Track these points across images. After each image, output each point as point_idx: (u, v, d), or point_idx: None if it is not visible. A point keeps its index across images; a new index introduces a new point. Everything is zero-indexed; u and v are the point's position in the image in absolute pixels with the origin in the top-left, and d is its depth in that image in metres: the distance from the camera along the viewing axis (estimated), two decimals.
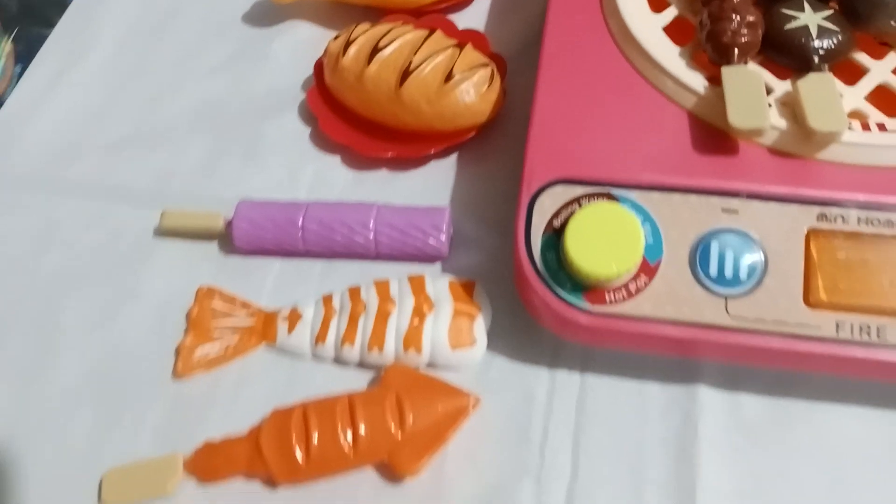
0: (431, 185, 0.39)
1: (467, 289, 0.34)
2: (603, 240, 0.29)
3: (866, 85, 0.32)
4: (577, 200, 0.31)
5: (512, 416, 0.32)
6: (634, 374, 0.32)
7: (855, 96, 0.32)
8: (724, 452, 0.30)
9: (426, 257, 0.36)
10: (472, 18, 0.45)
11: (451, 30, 0.42)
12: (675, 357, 0.32)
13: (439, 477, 0.31)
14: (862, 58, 0.33)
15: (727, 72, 0.31)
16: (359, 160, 0.39)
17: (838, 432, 0.31)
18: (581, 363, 0.33)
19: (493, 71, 0.38)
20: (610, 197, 0.31)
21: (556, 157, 0.32)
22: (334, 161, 0.40)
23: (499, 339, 0.34)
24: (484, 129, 0.39)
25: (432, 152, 0.38)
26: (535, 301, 0.31)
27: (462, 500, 0.30)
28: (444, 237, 0.35)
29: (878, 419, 0.31)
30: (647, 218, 0.30)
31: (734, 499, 0.30)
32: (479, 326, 0.33)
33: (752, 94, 0.31)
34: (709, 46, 0.33)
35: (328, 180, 0.39)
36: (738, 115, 0.30)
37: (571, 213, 0.30)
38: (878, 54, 0.33)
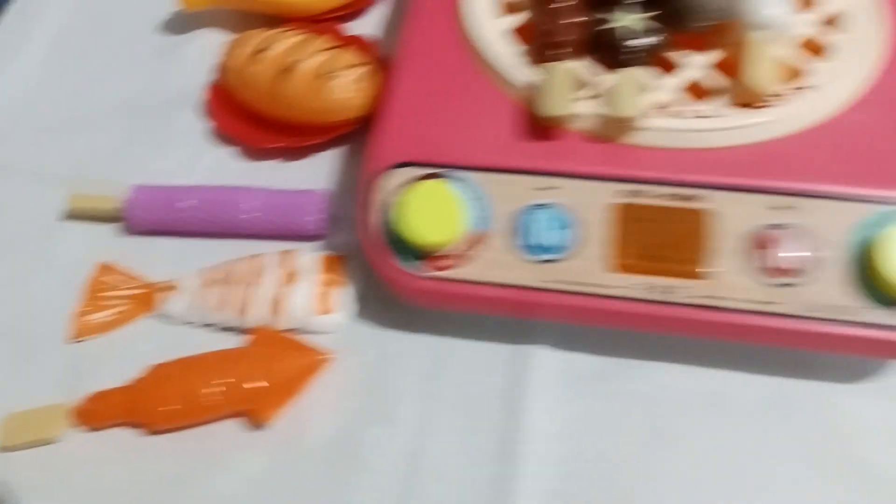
0: (317, 172, 0.43)
1: (335, 262, 0.38)
2: (431, 213, 0.33)
3: (678, 77, 0.36)
4: (415, 180, 0.35)
5: (368, 372, 0.36)
6: (480, 336, 0.37)
7: (666, 87, 0.36)
8: (550, 402, 0.35)
9: (304, 236, 0.40)
10: (367, 26, 0.49)
11: (340, 35, 0.46)
12: (509, 317, 0.36)
13: (297, 424, 0.35)
14: (680, 54, 0.37)
15: (546, 68, 0.36)
16: (252, 151, 0.44)
17: (657, 386, 0.35)
18: (435, 326, 0.37)
19: (370, 70, 0.43)
20: (443, 177, 0.35)
21: (400, 143, 0.36)
22: (230, 152, 0.44)
23: (364, 306, 0.38)
24: (369, 121, 0.43)
25: (316, 143, 0.42)
26: (380, 269, 0.35)
27: (316, 443, 0.34)
28: (318, 217, 0.39)
29: (694, 374, 0.35)
30: (477, 195, 0.34)
31: (554, 440, 0.34)
32: (344, 295, 0.37)
33: (563, 87, 0.35)
34: (538, 46, 0.37)
35: (223, 169, 0.44)
36: (547, 106, 0.34)
37: (405, 191, 0.34)
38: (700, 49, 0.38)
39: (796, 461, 0.33)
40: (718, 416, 0.34)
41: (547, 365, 0.36)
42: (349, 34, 0.47)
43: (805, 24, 0.38)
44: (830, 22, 0.38)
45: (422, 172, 0.35)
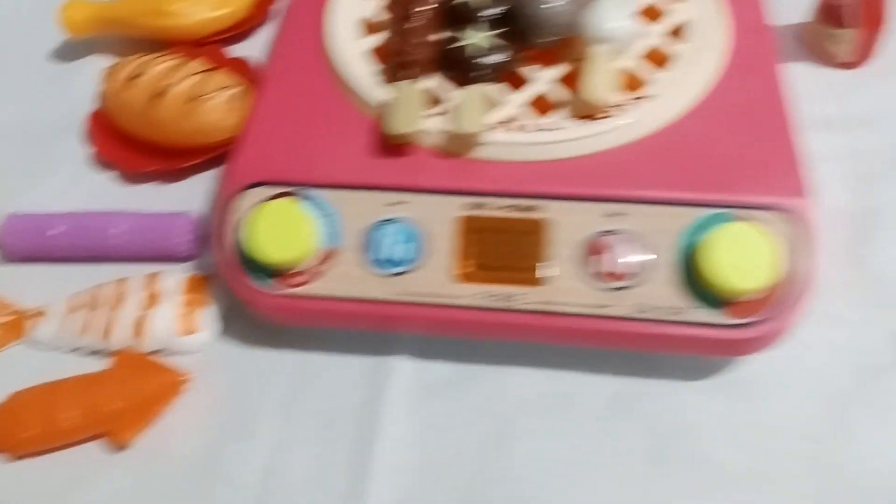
0: (194, 193, 0.44)
1: (200, 283, 0.39)
2: (280, 232, 0.34)
3: (524, 92, 0.38)
4: (266, 199, 0.36)
5: (230, 389, 0.37)
6: (342, 349, 0.38)
7: (512, 102, 0.37)
8: (405, 410, 0.36)
9: (176, 257, 0.40)
10: (255, 47, 0.50)
11: (219, 58, 0.47)
12: (369, 331, 0.37)
13: (159, 444, 0.35)
14: (529, 69, 0.39)
15: (396, 87, 0.37)
16: (130, 175, 0.45)
17: (507, 390, 0.36)
18: (298, 342, 0.38)
19: (243, 90, 0.44)
20: (294, 195, 0.36)
21: (254, 163, 0.37)
22: (110, 177, 0.45)
23: (229, 325, 0.39)
24: None
25: (191, 164, 0.43)
26: (235, 288, 0.36)
27: (177, 461, 0.35)
28: (187, 238, 0.40)
29: (543, 377, 0.36)
30: (328, 212, 0.35)
31: (407, 447, 0.35)
32: (208, 315, 0.38)
33: (410, 105, 0.36)
34: (391, 66, 0.38)
35: (102, 194, 0.44)
36: (394, 124, 0.36)
37: (255, 210, 0.35)
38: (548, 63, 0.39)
39: (639, 458, 0.34)
40: (564, 417, 0.35)
41: (404, 375, 0.36)
42: (230, 56, 0.48)
43: (651, 35, 0.39)
44: (675, 32, 0.40)
45: (273, 192, 0.36)
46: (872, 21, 0.45)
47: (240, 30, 0.51)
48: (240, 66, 0.46)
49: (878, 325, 0.36)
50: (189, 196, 0.43)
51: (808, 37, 0.48)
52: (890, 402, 0.34)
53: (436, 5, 0.40)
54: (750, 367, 0.35)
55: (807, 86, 0.46)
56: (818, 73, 0.47)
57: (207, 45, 0.49)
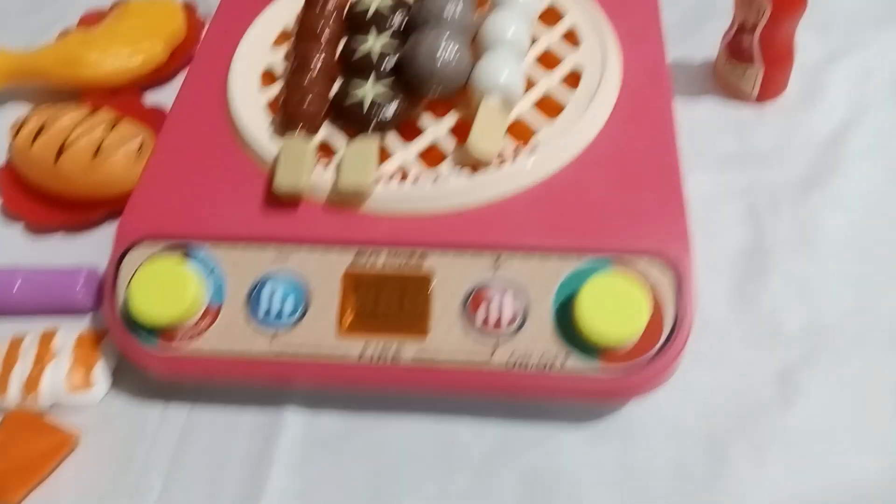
0: (103, 245, 0.43)
1: (94, 337, 0.39)
2: (163, 290, 0.34)
3: (414, 144, 0.38)
4: (153, 255, 0.36)
5: (120, 446, 0.37)
6: (234, 402, 0.37)
7: (402, 153, 0.38)
8: (293, 464, 0.35)
9: (76, 311, 0.41)
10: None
11: (132, 106, 0.48)
12: (262, 385, 0.37)
13: (48, 502, 0.35)
14: (422, 119, 0.39)
15: (285, 141, 0.37)
16: (39, 228, 0.45)
17: (393, 439, 0.36)
18: (190, 396, 0.38)
19: (147, 141, 0.44)
20: (181, 250, 0.36)
21: (148, 217, 0.37)
22: (19, 230, 0.45)
23: (122, 380, 0.38)
24: None
25: (99, 216, 0.44)
26: (121, 346, 0.36)
27: None
28: (86, 292, 0.40)
29: (429, 426, 0.36)
30: (213, 269, 0.36)
31: (293, 501, 0.34)
32: (100, 371, 0.38)
33: (296, 160, 0.36)
34: (282, 118, 0.38)
35: (10, 248, 0.44)
36: (280, 180, 0.36)
37: (140, 268, 0.35)
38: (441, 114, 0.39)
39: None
40: (448, 466, 0.35)
41: (293, 428, 0.36)
42: (146, 103, 0.48)
43: (542, 84, 0.40)
44: (568, 79, 0.40)
45: (161, 246, 0.36)
46: (777, 57, 0.46)
47: (162, 74, 0.51)
48: (153, 115, 0.47)
49: (762, 365, 0.37)
50: (98, 248, 0.43)
51: (717, 73, 0.49)
52: (771, 442, 0.34)
53: (328, 54, 0.41)
54: (632, 411, 0.36)
55: (713, 122, 0.47)
56: (725, 110, 0.47)
57: (123, 93, 0.49)
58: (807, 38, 0.46)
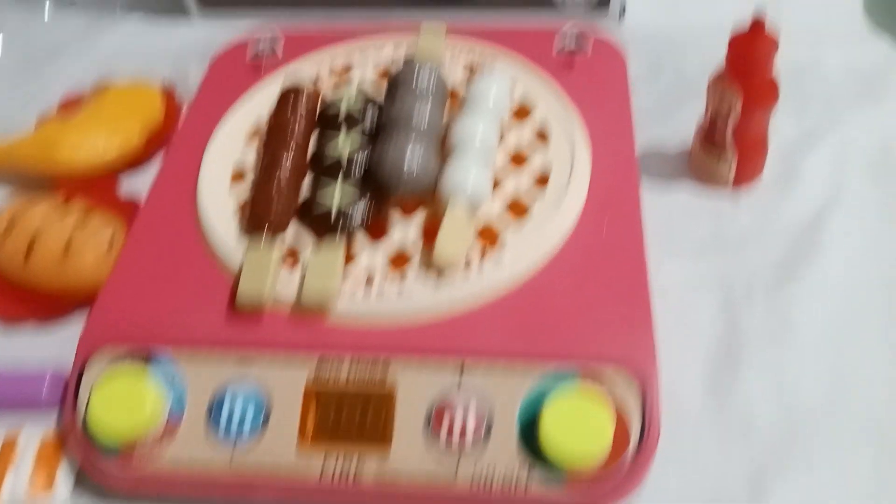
0: (73, 335, 0.43)
1: (58, 439, 0.38)
2: (122, 404, 0.34)
3: (381, 248, 0.38)
4: (112, 364, 0.35)
5: None
6: None
7: (367, 259, 0.37)
8: None
9: (39, 409, 0.40)
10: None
11: (107, 196, 0.47)
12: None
13: None
14: (389, 222, 0.39)
15: (249, 249, 0.37)
16: (7, 322, 0.44)
17: None
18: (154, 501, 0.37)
19: (119, 234, 0.44)
20: (142, 360, 0.36)
21: (111, 323, 0.37)
22: None
23: (84, 483, 0.37)
24: None
25: (69, 311, 0.43)
26: (76, 456, 0.35)
27: None
28: (46, 397, 0.39)
29: None
30: (173, 377, 0.35)
31: None
32: (62, 474, 0.37)
33: (259, 269, 0.36)
34: (248, 223, 0.38)
35: None
36: (244, 292, 0.36)
37: (99, 379, 0.35)
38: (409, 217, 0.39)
39: None
40: None
41: None
42: (114, 193, 0.48)
43: (509, 186, 0.40)
44: (537, 180, 0.40)
45: (123, 351, 0.36)
46: (750, 146, 0.46)
47: (139, 158, 0.51)
48: (126, 206, 0.46)
49: (735, 464, 0.36)
50: (69, 337, 0.43)
51: (693, 159, 0.48)
52: None
53: (298, 155, 0.41)
54: None
55: (688, 209, 0.47)
56: (700, 196, 0.47)
57: (98, 180, 0.49)
58: (782, 118, 0.46)
